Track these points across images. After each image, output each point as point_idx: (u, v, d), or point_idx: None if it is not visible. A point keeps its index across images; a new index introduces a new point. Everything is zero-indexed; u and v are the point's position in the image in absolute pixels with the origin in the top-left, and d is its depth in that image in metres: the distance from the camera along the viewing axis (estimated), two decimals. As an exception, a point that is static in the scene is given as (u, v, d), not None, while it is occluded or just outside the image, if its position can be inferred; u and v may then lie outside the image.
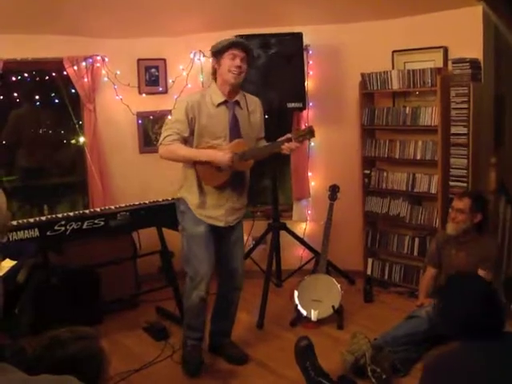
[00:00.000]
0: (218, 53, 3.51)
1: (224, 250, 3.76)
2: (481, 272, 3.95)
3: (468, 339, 2.12)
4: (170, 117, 3.83)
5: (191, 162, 3.56)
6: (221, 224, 3.65)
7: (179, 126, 3.47)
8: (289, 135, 3.45)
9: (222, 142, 3.53)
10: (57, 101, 5.66)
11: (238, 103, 3.60)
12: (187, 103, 3.49)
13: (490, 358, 2.04)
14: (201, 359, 3.76)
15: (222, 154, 3.42)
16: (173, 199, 3.92)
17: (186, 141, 3.52)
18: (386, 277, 5.21)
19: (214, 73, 3.58)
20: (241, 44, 3.50)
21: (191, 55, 5.39)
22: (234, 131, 3.57)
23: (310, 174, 5.49)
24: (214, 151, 3.46)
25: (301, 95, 4.93)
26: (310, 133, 3.43)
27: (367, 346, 3.54)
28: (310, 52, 5.23)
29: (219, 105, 3.54)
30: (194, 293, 3.63)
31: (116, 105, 5.36)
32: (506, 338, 2.12)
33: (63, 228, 3.96)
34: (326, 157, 5.47)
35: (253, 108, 3.68)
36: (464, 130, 4.50)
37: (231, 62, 3.46)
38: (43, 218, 4.09)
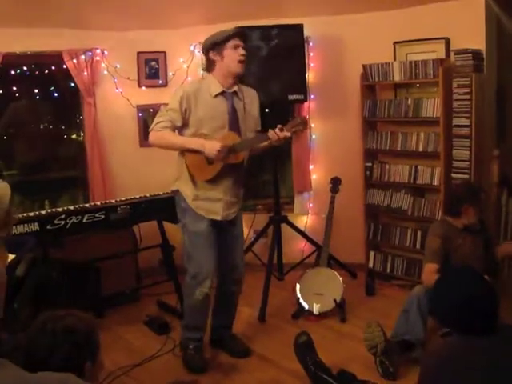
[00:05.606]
0: (217, 44, 3.43)
1: (225, 244, 3.71)
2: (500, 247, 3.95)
3: (465, 329, 2.07)
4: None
5: (181, 151, 3.53)
6: (218, 218, 3.59)
7: (172, 114, 3.43)
8: (280, 126, 3.40)
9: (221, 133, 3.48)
10: (56, 94, 5.62)
11: (235, 94, 3.54)
12: (183, 93, 3.44)
13: (488, 352, 1.99)
14: (205, 359, 3.74)
15: (211, 144, 3.35)
16: (173, 192, 3.89)
17: (179, 131, 3.50)
18: (388, 270, 5.18)
19: (211, 65, 3.50)
20: (243, 33, 3.46)
21: (191, 48, 5.36)
22: (233, 123, 3.51)
23: (311, 166, 5.46)
24: (204, 140, 3.40)
25: (302, 87, 4.90)
26: (303, 123, 3.40)
27: (381, 338, 3.49)
28: (311, 44, 5.19)
29: (217, 95, 3.48)
30: (197, 290, 3.55)
31: (116, 98, 5.34)
32: (503, 329, 2.07)
33: (63, 222, 3.94)
34: (327, 149, 5.44)
35: (249, 100, 3.61)
36: (466, 122, 4.48)
37: (237, 52, 3.41)
38: (43, 212, 4.08)
